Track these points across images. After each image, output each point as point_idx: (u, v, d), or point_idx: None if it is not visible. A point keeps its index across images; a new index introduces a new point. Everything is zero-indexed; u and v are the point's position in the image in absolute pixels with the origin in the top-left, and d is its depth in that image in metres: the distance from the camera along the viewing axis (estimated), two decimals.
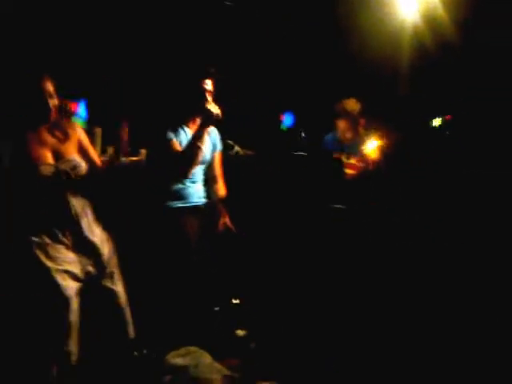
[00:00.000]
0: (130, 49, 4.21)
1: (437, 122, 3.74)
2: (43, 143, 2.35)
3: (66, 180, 2.35)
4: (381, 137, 3.19)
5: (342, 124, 3.37)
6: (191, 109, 2.83)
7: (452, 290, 3.08)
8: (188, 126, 2.86)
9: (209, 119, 2.68)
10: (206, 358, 2.49)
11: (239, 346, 2.87)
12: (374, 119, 3.39)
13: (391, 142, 3.24)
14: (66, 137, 2.43)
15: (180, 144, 2.77)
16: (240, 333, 2.98)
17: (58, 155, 2.37)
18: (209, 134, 2.92)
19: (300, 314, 3.16)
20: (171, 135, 2.76)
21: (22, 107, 2.34)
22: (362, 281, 3.13)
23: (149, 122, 2.92)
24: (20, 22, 3.61)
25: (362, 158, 3.23)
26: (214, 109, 2.67)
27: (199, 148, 2.68)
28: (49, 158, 2.34)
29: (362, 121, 3.35)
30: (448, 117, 3.75)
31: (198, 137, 2.68)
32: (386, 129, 3.33)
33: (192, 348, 2.48)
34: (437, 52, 3.67)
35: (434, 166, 3.43)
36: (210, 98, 2.76)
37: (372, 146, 3.16)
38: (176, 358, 2.45)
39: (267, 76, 4.36)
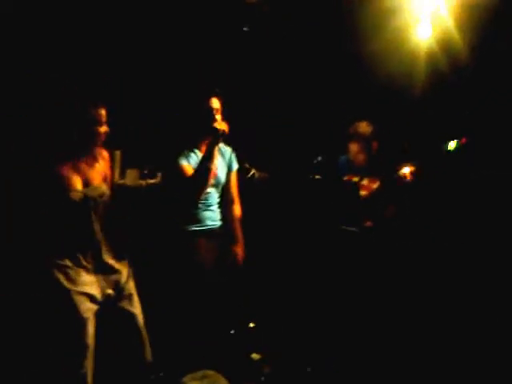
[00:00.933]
0: (139, 71, 4.25)
1: (452, 145, 3.74)
2: (75, 168, 2.38)
3: (92, 206, 2.40)
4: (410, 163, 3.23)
5: (353, 147, 3.35)
6: (201, 130, 2.81)
7: (457, 297, 3.08)
8: (200, 149, 2.84)
9: (216, 137, 2.65)
10: (222, 382, 2.49)
11: (255, 370, 2.86)
12: (388, 142, 3.40)
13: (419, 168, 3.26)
14: (94, 163, 2.47)
15: (193, 167, 2.75)
16: (255, 356, 2.97)
17: (86, 181, 2.41)
18: (222, 154, 2.92)
19: (315, 339, 3.15)
20: (182, 160, 2.75)
21: (68, 133, 2.36)
22: (377, 307, 3.12)
23: (161, 146, 2.92)
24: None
25: (377, 181, 3.26)
26: (220, 126, 2.65)
27: (209, 169, 2.65)
28: (78, 183, 2.37)
29: (375, 144, 3.34)
30: (463, 140, 3.74)
31: (206, 157, 2.66)
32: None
33: (208, 372, 2.48)
34: (451, 75, 3.69)
35: (452, 188, 3.43)
36: (217, 117, 2.75)
37: (407, 171, 3.17)
38: (192, 382, 2.46)
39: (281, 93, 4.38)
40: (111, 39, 4.02)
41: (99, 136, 2.40)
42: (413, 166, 3.23)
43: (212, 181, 2.76)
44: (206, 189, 2.75)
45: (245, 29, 4.39)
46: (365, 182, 3.33)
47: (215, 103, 2.79)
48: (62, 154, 2.37)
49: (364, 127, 3.34)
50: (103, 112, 2.38)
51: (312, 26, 4.31)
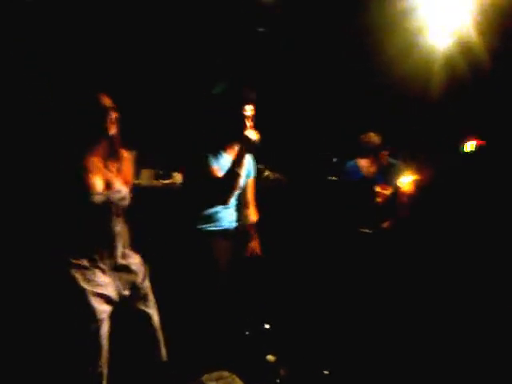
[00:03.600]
0: (169, 74, 4.27)
1: (469, 147, 3.74)
2: (97, 170, 2.36)
3: (113, 209, 2.40)
4: (415, 171, 3.28)
5: (364, 162, 3.50)
6: (230, 134, 2.77)
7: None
8: (226, 151, 2.81)
9: (248, 146, 2.62)
10: (238, 383, 2.48)
11: (270, 372, 2.85)
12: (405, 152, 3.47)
13: (425, 177, 3.31)
14: (115, 165, 2.46)
15: (220, 169, 2.71)
16: (271, 358, 2.96)
17: (108, 183, 2.39)
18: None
19: (331, 341, 3.13)
20: (212, 161, 2.71)
21: (84, 124, 2.35)
22: (392, 306, 3.11)
23: (186, 146, 2.90)
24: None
25: (391, 188, 3.32)
26: (253, 135, 2.61)
27: (239, 175, 2.63)
28: (100, 185, 2.34)
29: (384, 153, 3.46)
30: (480, 142, 3.74)
31: (237, 164, 2.62)
32: (418, 162, 3.41)
33: (224, 373, 2.47)
34: (469, 78, 3.66)
35: (468, 193, 3.43)
36: (249, 124, 2.70)
37: (407, 180, 3.24)
38: (208, 382, 2.45)
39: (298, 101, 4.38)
40: (131, 40, 4.03)
41: (111, 121, 2.36)
42: (416, 175, 3.28)
43: (239, 185, 2.73)
44: (235, 192, 2.73)
45: (260, 30, 4.39)
46: (378, 189, 3.40)
47: (249, 110, 2.73)
48: (84, 154, 2.35)
49: (371, 139, 3.46)
50: (105, 97, 2.35)
51: (326, 28, 4.30)
